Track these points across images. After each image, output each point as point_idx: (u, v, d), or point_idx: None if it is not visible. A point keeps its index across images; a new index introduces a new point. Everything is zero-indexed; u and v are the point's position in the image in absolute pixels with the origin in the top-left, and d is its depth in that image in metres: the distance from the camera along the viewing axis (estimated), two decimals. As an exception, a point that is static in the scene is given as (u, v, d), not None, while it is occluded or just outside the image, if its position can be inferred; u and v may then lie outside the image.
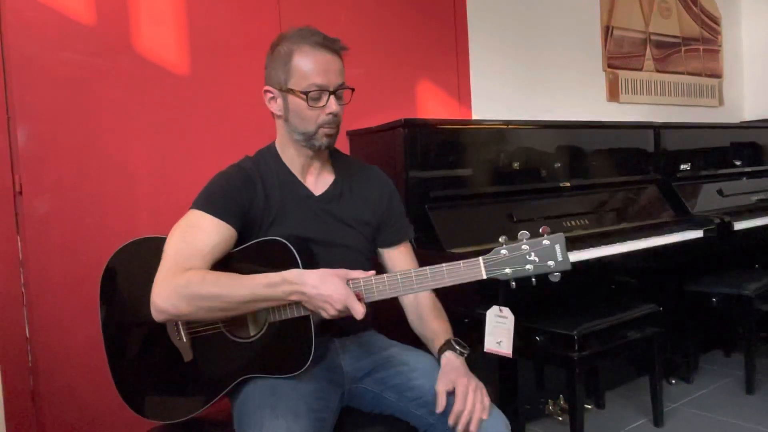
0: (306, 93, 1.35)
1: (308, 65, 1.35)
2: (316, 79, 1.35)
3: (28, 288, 1.89)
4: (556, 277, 1.26)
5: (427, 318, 1.47)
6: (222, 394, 1.37)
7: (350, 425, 1.40)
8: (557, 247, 1.25)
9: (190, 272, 1.25)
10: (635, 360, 2.87)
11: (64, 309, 1.92)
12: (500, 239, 1.27)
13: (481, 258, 1.26)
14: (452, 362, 1.37)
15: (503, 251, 1.25)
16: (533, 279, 1.27)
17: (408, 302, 1.52)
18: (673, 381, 2.84)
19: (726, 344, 3.20)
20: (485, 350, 1.53)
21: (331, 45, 1.36)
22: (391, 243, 1.54)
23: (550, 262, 1.25)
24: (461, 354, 1.39)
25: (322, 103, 1.36)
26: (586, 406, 2.45)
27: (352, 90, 1.42)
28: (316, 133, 1.39)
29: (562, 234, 1.26)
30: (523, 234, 1.26)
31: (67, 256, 1.93)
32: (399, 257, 1.54)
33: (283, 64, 1.38)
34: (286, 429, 1.18)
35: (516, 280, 1.26)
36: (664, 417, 2.42)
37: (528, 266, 1.25)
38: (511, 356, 1.53)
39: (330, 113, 1.36)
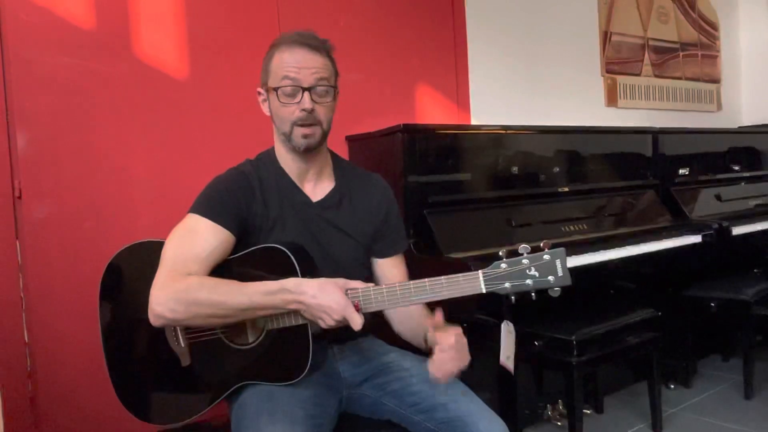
0: (277, 89, 1.35)
1: (282, 61, 1.35)
2: (288, 74, 1.34)
3: (27, 292, 1.89)
4: (555, 292, 1.24)
5: (417, 315, 1.43)
6: (218, 400, 1.37)
7: (348, 430, 1.40)
8: (558, 263, 1.23)
9: (189, 278, 1.25)
10: (634, 365, 2.87)
11: (62, 314, 1.92)
12: (500, 252, 1.25)
13: (480, 271, 1.24)
14: (446, 341, 1.28)
15: (503, 265, 1.24)
16: (533, 294, 1.26)
17: (393, 315, 1.49)
18: (672, 386, 2.84)
19: (724, 349, 3.20)
20: (500, 363, 1.53)
21: (307, 41, 1.35)
22: (385, 254, 1.52)
23: (550, 277, 1.23)
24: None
25: (295, 100, 1.35)
26: (585, 410, 2.46)
27: (334, 87, 1.40)
28: (291, 132, 1.37)
29: (563, 249, 1.24)
30: (524, 248, 1.23)
31: (67, 260, 1.93)
32: (391, 269, 1.52)
33: (266, 64, 1.40)
34: (284, 434, 1.18)
35: (515, 294, 1.26)
36: (662, 422, 2.41)
37: (528, 281, 1.24)
38: (512, 371, 1.53)
39: (303, 109, 1.34)
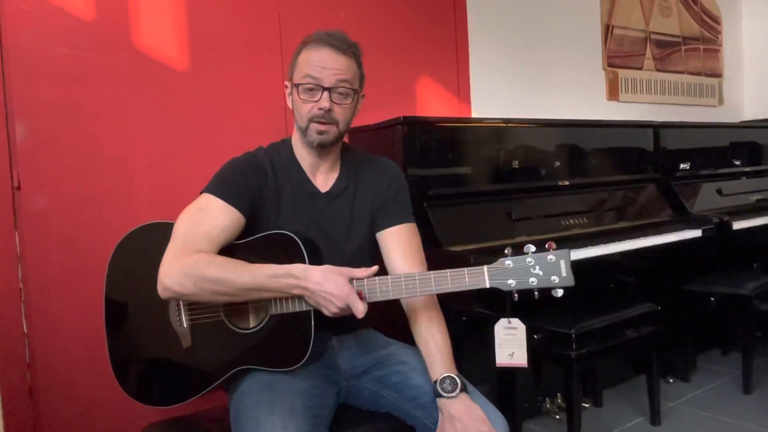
0: (298, 85, 1.37)
1: (306, 59, 1.37)
2: (310, 73, 1.36)
3: (26, 283, 1.89)
4: (558, 292, 1.27)
5: (419, 320, 1.40)
6: (216, 384, 1.37)
7: (346, 422, 1.41)
8: (562, 263, 1.26)
9: (199, 254, 1.27)
10: (633, 359, 2.87)
11: (61, 305, 1.92)
12: (505, 251, 1.28)
13: (485, 267, 1.27)
14: (448, 411, 1.29)
15: (508, 262, 1.27)
16: (536, 292, 1.28)
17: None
18: (671, 380, 2.85)
19: (724, 343, 3.21)
20: (497, 365, 1.53)
21: (334, 42, 1.36)
22: (385, 225, 1.47)
23: (554, 278, 1.26)
24: (455, 394, 1.30)
25: (315, 98, 1.36)
26: (584, 404, 2.46)
27: (355, 91, 1.40)
28: (308, 128, 1.39)
29: (568, 250, 1.27)
30: (529, 247, 1.27)
31: (65, 251, 1.93)
32: (390, 240, 1.46)
33: (294, 60, 1.42)
34: (282, 425, 1.18)
35: (519, 292, 1.28)
36: (661, 416, 2.42)
37: (532, 279, 1.26)
38: (526, 366, 1.52)
39: (321, 108, 1.35)
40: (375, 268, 1.29)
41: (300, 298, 1.29)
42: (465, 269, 1.27)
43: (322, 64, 1.36)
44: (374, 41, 2.56)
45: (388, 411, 1.43)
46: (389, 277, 1.30)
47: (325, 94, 1.36)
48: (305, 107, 1.38)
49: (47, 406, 1.91)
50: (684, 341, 2.85)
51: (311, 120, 1.37)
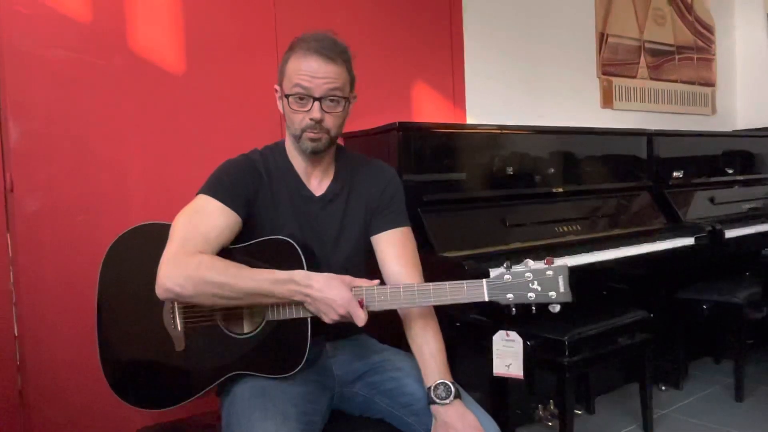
0: (288, 96, 1.36)
1: (295, 68, 1.35)
2: (300, 83, 1.34)
3: (18, 286, 1.87)
4: (555, 308, 1.27)
5: (414, 326, 1.39)
6: (209, 388, 1.36)
7: (339, 428, 1.41)
8: (560, 279, 1.26)
9: (201, 256, 1.26)
10: (625, 366, 2.88)
11: (53, 308, 1.91)
12: (504, 265, 1.29)
13: (484, 280, 1.28)
14: (442, 418, 1.29)
15: (507, 276, 1.27)
16: (533, 307, 1.28)
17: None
18: (663, 387, 2.86)
19: (716, 351, 3.22)
20: (494, 374, 1.54)
21: (323, 51, 1.34)
22: (380, 229, 1.47)
23: (552, 293, 1.26)
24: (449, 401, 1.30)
25: (306, 108, 1.35)
26: (576, 411, 2.47)
27: (346, 98, 1.39)
28: (300, 137, 1.38)
29: (566, 266, 1.27)
30: (528, 262, 1.27)
31: (58, 254, 1.92)
32: (385, 244, 1.45)
33: (282, 66, 1.40)
34: (275, 431, 1.18)
35: (516, 306, 1.28)
36: (653, 423, 2.42)
37: (530, 294, 1.27)
38: (522, 378, 1.53)
39: (312, 119, 1.34)
40: (376, 281, 1.30)
41: (299, 305, 1.28)
42: (464, 282, 1.27)
43: (311, 73, 1.33)
44: (370, 46, 2.56)
45: (381, 417, 1.43)
46: (388, 287, 1.29)
47: (316, 104, 1.34)
48: (297, 117, 1.37)
49: (38, 409, 1.90)
50: (676, 349, 2.86)
51: (303, 130, 1.37)
